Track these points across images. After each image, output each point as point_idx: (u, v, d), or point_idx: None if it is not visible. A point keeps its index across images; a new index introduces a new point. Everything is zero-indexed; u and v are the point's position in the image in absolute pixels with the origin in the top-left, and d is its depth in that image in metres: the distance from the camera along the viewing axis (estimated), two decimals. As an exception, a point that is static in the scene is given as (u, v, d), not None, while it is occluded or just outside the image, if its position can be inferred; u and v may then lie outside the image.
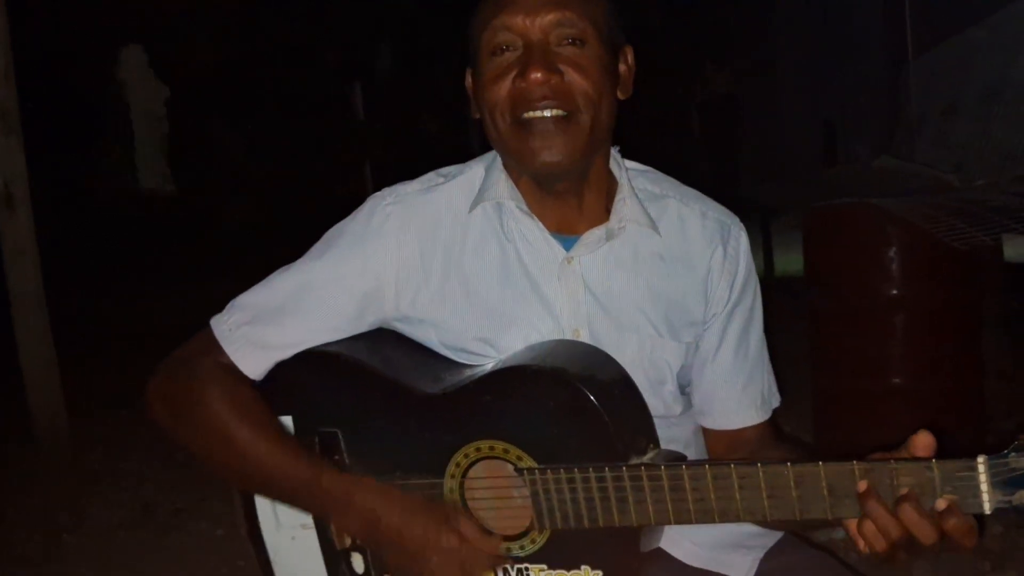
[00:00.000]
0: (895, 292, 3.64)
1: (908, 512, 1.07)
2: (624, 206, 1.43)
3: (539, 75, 1.32)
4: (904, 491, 1.08)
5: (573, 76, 1.33)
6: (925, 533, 1.08)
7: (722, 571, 1.45)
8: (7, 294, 4.76)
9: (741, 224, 1.52)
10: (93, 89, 9.53)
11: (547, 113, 1.33)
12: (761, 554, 1.45)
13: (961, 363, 3.72)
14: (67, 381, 4.84)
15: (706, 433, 1.53)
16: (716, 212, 1.50)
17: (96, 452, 4.76)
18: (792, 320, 3.84)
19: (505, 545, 1.31)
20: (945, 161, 4.77)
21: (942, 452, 1.10)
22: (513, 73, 1.34)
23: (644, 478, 1.21)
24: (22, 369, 4.73)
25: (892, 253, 3.62)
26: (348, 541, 1.43)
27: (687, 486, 1.19)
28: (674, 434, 1.46)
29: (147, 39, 9.50)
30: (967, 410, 3.75)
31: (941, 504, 1.07)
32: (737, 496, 1.16)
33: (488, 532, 1.30)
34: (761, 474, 1.15)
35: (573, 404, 1.25)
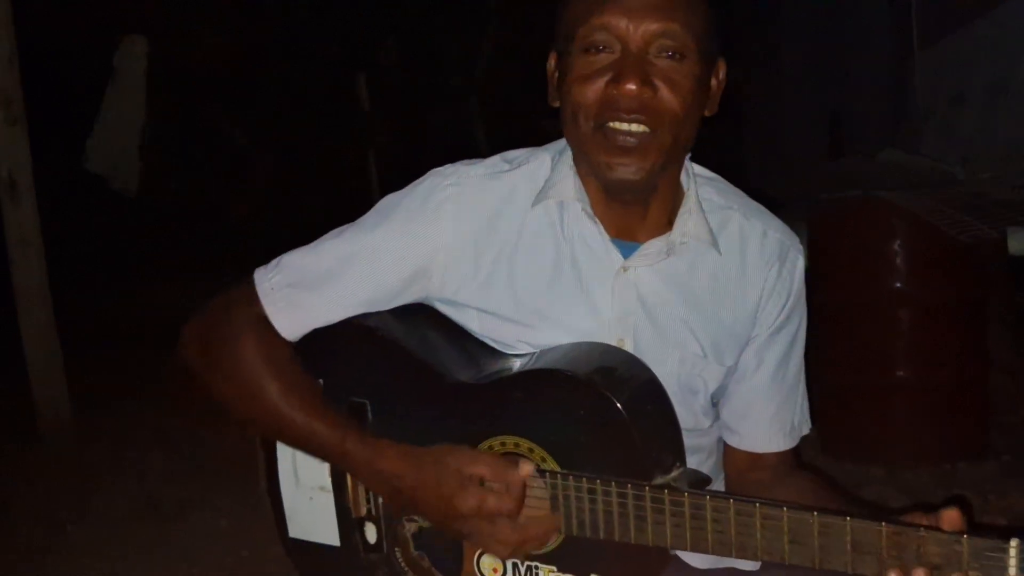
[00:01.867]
0: (900, 285, 3.64)
1: None
2: (688, 219, 1.41)
3: (633, 87, 1.28)
4: (923, 557, 1.07)
5: (665, 93, 1.30)
6: None
7: (730, 566, 1.44)
8: (11, 286, 4.76)
9: (800, 247, 1.50)
10: (100, 79, 9.52)
11: (633, 127, 1.30)
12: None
13: (966, 357, 3.72)
14: (71, 373, 4.84)
15: (727, 449, 1.52)
16: (777, 232, 1.48)
17: (100, 444, 4.76)
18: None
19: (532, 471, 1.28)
20: (951, 154, 4.75)
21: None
22: (606, 77, 1.30)
23: (666, 501, 1.20)
24: (26, 361, 4.73)
25: (897, 246, 3.62)
26: (364, 510, 1.44)
27: (708, 516, 1.18)
28: (700, 443, 1.46)
29: (151, 30, 9.47)
30: (971, 404, 3.75)
31: None
32: (758, 536, 1.16)
33: (510, 463, 1.27)
34: (786, 519, 1.14)
35: (603, 415, 1.24)
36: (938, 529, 1.09)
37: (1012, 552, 1.04)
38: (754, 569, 1.43)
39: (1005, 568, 1.04)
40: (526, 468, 1.26)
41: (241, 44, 9.90)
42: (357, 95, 10.57)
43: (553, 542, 1.31)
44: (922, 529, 1.08)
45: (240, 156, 10.31)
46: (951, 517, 1.09)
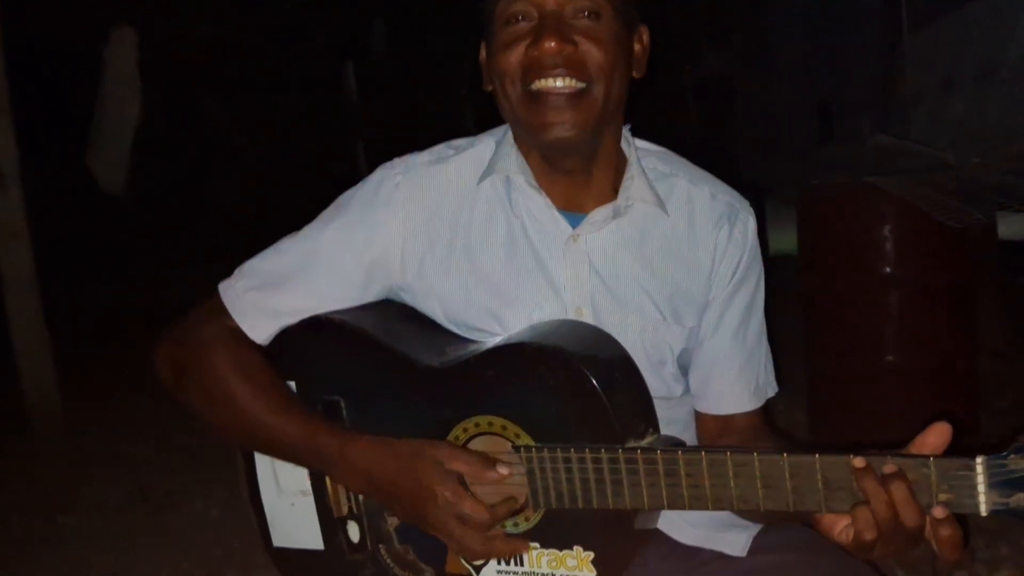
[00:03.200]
0: (889, 271, 3.64)
1: (899, 489, 1.08)
2: (632, 184, 1.42)
3: (553, 44, 1.30)
4: (893, 469, 1.08)
5: (587, 47, 1.32)
6: (910, 514, 1.08)
7: (718, 548, 1.45)
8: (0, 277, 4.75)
9: (751, 209, 1.50)
10: (89, 70, 9.49)
11: (559, 83, 1.32)
12: (756, 531, 1.45)
13: (955, 341, 3.73)
14: (61, 364, 4.84)
15: (697, 416, 1.53)
16: (726, 194, 1.49)
17: (90, 435, 4.76)
18: (786, 299, 3.84)
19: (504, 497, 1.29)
20: (941, 139, 4.75)
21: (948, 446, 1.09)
22: (526, 41, 1.33)
23: (639, 461, 1.20)
24: (15, 353, 4.73)
25: (886, 231, 3.62)
26: (345, 509, 1.43)
27: (682, 471, 1.18)
28: (674, 415, 1.46)
29: (140, 19, 9.44)
30: (961, 388, 3.76)
31: (939, 513, 1.06)
32: (732, 484, 1.16)
33: (489, 462, 1.28)
34: (757, 463, 1.14)
35: (573, 385, 1.25)
36: (905, 454, 1.10)
37: (979, 469, 1.05)
38: (740, 555, 1.44)
39: (975, 486, 1.05)
40: (504, 469, 1.27)
41: (230, 34, 9.87)
42: (345, 83, 10.55)
43: (534, 519, 1.31)
44: (889, 456, 1.09)
45: (229, 147, 10.29)
46: (938, 430, 1.10)
